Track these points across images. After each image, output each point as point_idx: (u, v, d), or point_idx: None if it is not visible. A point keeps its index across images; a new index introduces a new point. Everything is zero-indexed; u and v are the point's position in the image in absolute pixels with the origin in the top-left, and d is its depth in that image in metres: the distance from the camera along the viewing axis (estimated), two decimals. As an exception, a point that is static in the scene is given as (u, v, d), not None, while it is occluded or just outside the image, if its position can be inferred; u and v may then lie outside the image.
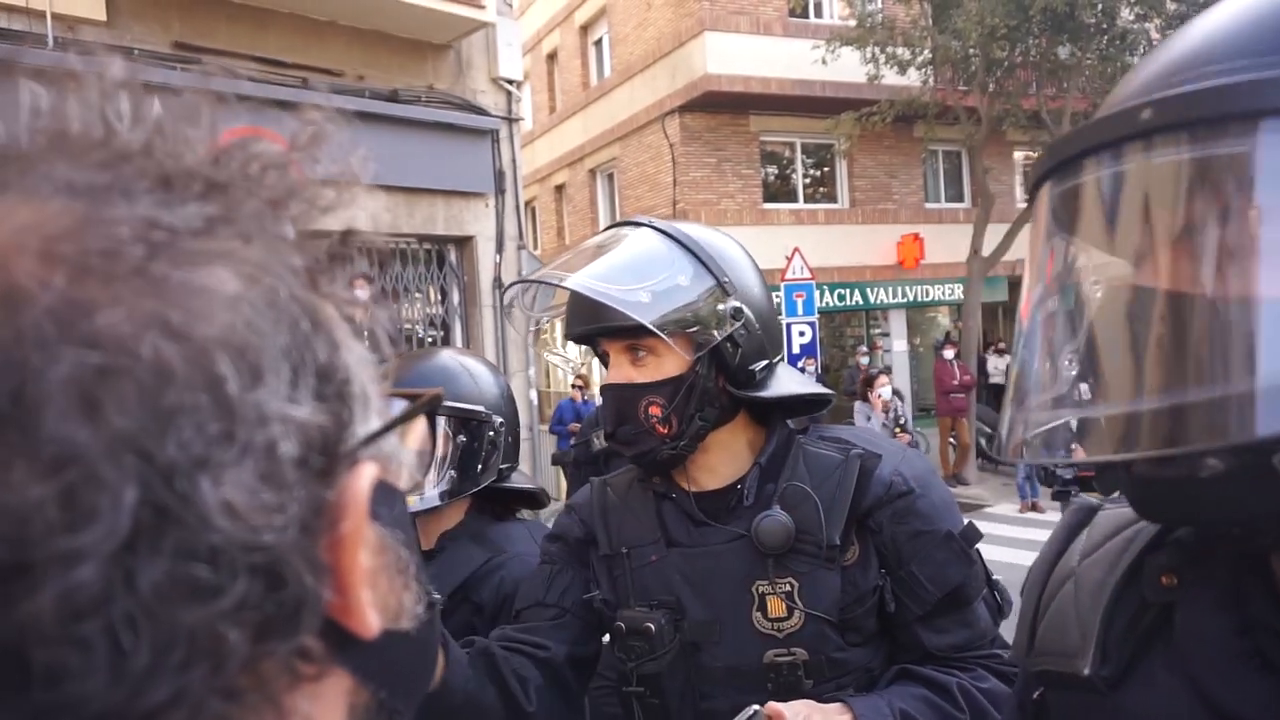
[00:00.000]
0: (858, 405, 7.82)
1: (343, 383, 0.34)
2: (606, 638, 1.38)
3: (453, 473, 1.64)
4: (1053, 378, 0.58)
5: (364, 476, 0.34)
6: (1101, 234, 0.56)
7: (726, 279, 1.29)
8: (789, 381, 1.35)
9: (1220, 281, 0.50)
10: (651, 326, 1.20)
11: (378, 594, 0.36)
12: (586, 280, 1.24)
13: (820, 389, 1.38)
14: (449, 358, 1.77)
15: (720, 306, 1.27)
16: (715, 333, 1.25)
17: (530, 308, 1.51)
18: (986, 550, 1.32)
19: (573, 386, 9.29)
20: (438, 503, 1.63)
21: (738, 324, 1.27)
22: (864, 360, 13.26)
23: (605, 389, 1.31)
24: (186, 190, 0.32)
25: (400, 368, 1.73)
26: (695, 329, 1.25)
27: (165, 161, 0.32)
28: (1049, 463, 0.59)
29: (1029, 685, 0.75)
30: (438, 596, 1.48)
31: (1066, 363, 0.57)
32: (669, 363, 1.26)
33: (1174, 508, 0.56)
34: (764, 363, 1.31)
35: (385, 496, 0.37)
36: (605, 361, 1.40)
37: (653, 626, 1.25)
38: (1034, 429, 0.57)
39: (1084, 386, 0.56)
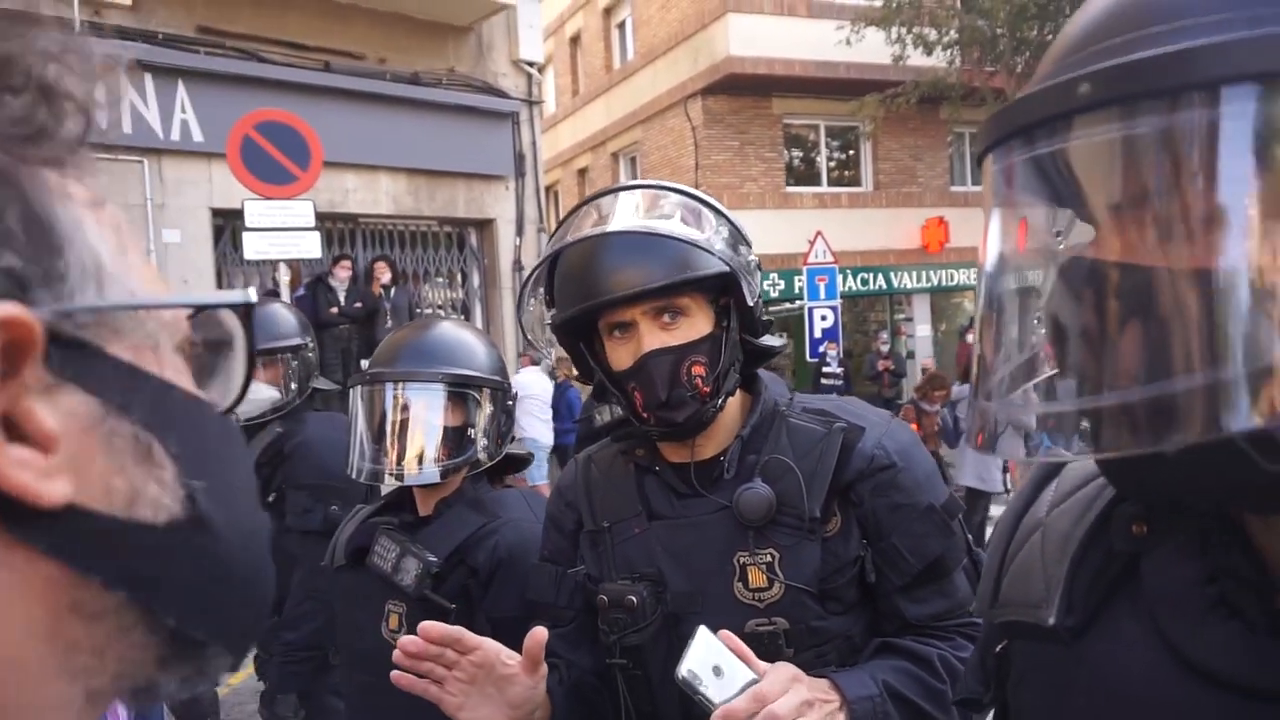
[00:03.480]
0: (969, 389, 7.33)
1: (35, 231, 0.33)
2: None
3: (485, 441, 1.68)
4: (1006, 366, 0.56)
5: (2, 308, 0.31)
6: (1040, 213, 0.55)
7: (744, 232, 1.32)
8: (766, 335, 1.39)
9: (1157, 267, 0.48)
10: (740, 274, 1.22)
11: (87, 466, 0.33)
12: (667, 226, 1.23)
13: (778, 340, 1.41)
14: (456, 329, 1.79)
15: (750, 258, 1.29)
16: (751, 283, 1.28)
17: (537, 294, 1.47)
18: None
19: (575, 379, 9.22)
20: (484, 465, 1.70)
21: (760, 273, 1.31)
22: (884, 347, 13.16)
23: (648, 357, 1.22)
24: None
25: (404, 338, 1.75)
26: (748, 278, 1.27)
27: None
28: (1012, 456, 0.57)
29: (992, 638, 0.75)
30: (433, 558, 1.54)
31: (1019, 350, 0.56)
32: (700, 321, 1.25)
33: (1142, 482, 0.56)
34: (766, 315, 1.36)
35: (106, 369, 0.35)
36: (577, 346, 1.34)
37: (635, 599, 1.25)
38: (995, 420, 0.56)
39: (1038, 376, 0.54)
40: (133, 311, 0.36)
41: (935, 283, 15.57)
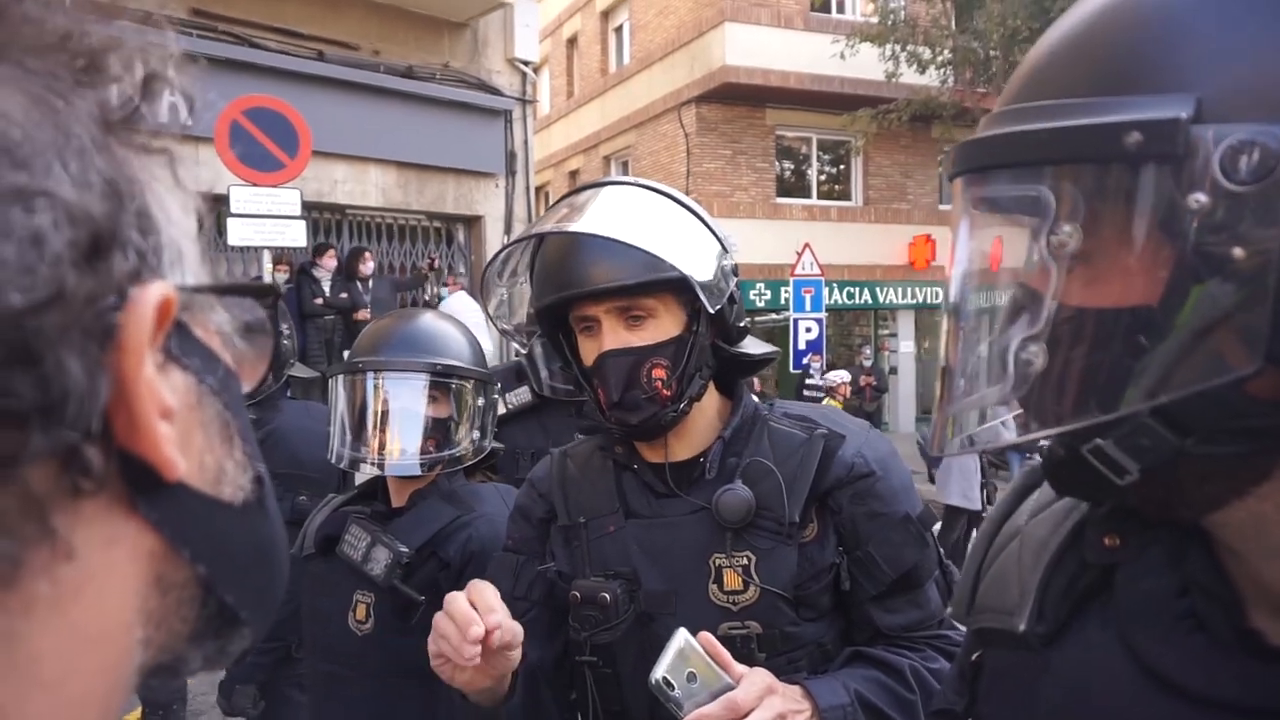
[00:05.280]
0: None
1: (141, 213, 0.33)
2: None
3: (476, 434, 1.66)
4: (965, 374, 0.61)
5: (154, 290, 0.32)
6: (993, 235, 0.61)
7: (722, 235, 1.30)
8: (751, 342, 1.36)
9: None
10: (696, 283, 1.19)
11: (189, 444, 0.34)
12: (621, 231, 1.20)
13: (769, 347, 1.39)
14: (439, 320, 1.77)
15: (725, 262, 1.28)
16: (723, 288, 1.25)
17: (501, 278, 1.49)
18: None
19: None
20: (467, 461, 1.67)
21: (736, 279, 1.29)
22: (867, 362, 13.23)
23: (605, 356, 1.23)
24: None
25: (387, 327, 1.73)
26: (715, 285, 1.24)
27: None
28: (949, 454, 0.66)
29: (970, 647, 0.75)
30: (404, 549, 1.51)
31: (974, 360, 0.60)
32: (667, 323, 1.24)
33: (1056, 481, 0.61)
34: (744, 321, 1.34)
35: (197, 350, 0.36)
36: (559, 336, 1.35)
37: (608, 596, 1.24)
38: (952, 425, 0.61)
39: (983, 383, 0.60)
40: (208, 295, 0.38)
41: (920, 300, 15.67)
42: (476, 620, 1.07)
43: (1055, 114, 0.52)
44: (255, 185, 6.06)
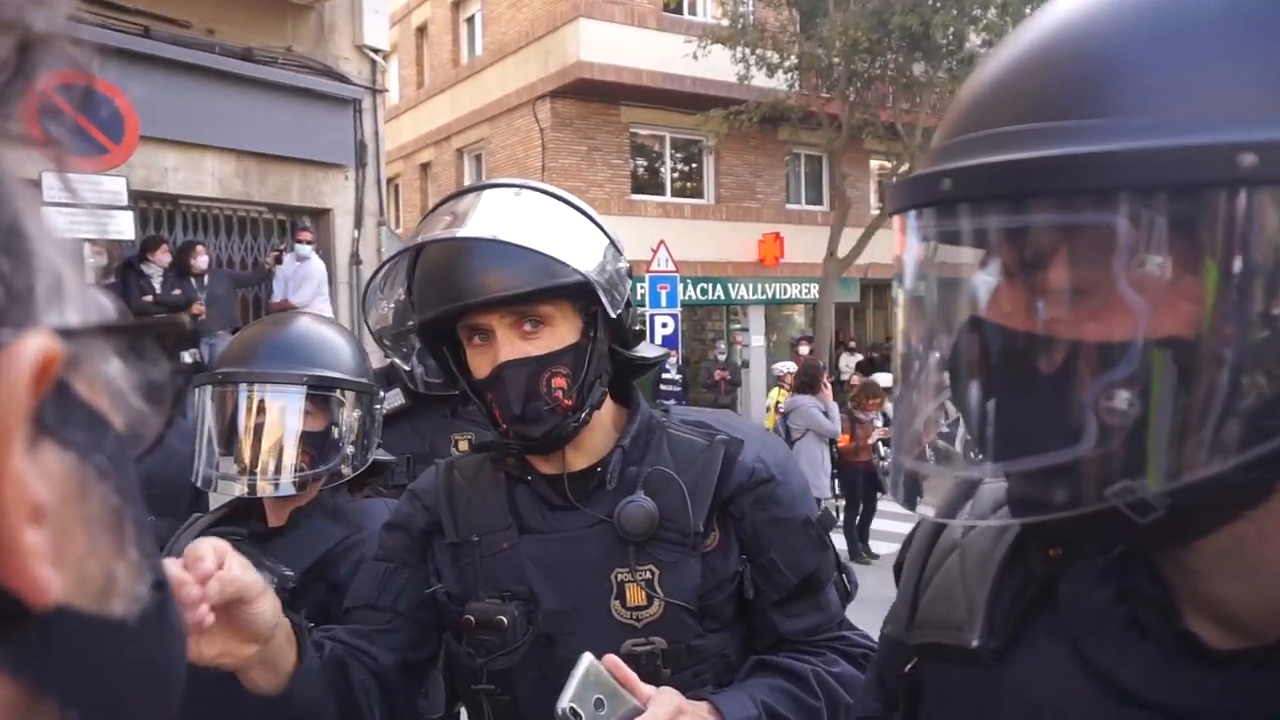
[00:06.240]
0: (804, 400, 7.48)
1: (12, 230, 0.26)
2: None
3: (350, 449, 1.56)
4: (921, 423, 0.59)
5: (30, 345, 0.23)
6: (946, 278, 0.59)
7: (614, 238, 1.28)
8: (644, 345, 1.35)
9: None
10: (597, 286, 1.15)
11: (66, 549, 0.25)
12: (514, 234, 1.15)
13: (660, 349, 1.39)
14: (316, 325, 1.65)
15: (620, 264, 1.25)
16: (622, 290, 1.23)
17: (382, 289, 1.41)
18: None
19: None
20: (346, 476, 1.57)
21: (631, 281, 1.26)
22: (721, 357, 13.58)
23: (503, 368, 1.18)
24: None
25: (260, 334, 1.61)
26: (614, 289, 1.22)
27: None
28: (953, 522, 0.64)
29: (900, 658, 0.75)
30: (289, 573, 1.40)
31: (932, 408, 0.58)
32: (564, 330, 1.20)
33: (1044, 530, 0.59)
34: (639, 324, 1.32)
35: (81, 416, 0.27)
36: (440, 350, 1.29)
37: (505, 620, 1.19)
38: (911, 476, 0.59)
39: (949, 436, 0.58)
40: (98, 338, 0.28)
41: (770, 295, 16.22)
42: (188, 579, 0.94)
43: (1101, 135, 0.47)
44: (71, 171, 5.55)
